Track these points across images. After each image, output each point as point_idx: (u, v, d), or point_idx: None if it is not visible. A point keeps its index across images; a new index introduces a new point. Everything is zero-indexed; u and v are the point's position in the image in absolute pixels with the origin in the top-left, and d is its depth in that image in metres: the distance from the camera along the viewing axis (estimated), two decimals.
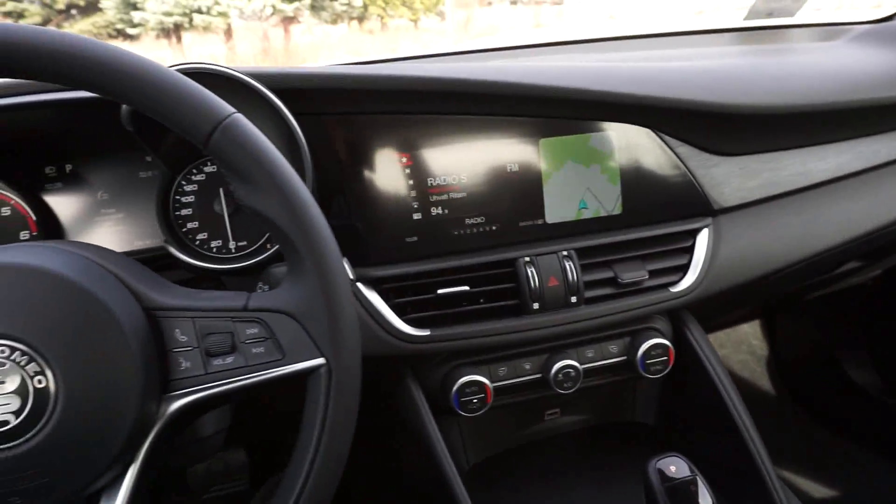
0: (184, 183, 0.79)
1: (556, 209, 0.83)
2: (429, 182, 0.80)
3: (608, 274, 0.83)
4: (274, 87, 0.67)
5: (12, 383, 0.45)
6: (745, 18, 1.22)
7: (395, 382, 0.82)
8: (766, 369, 1.66)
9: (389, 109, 0.76)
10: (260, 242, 0.80)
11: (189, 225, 0.79)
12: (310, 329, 0.51)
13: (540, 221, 0.83)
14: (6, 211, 0.74)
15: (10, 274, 0.47)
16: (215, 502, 1.30)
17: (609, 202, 0.85)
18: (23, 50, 0.45)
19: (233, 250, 0.80)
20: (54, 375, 0.45)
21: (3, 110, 0.65)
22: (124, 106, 0.64)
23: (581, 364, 0.82)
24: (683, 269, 0.86)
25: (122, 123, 0.65)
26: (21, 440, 0.45)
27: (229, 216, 0.79)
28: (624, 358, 0.86)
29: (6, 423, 0.44)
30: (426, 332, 0.77)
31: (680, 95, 0.80)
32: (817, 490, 1.39)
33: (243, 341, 0.51)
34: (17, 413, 0.45)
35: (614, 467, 0.86)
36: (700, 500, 0.61)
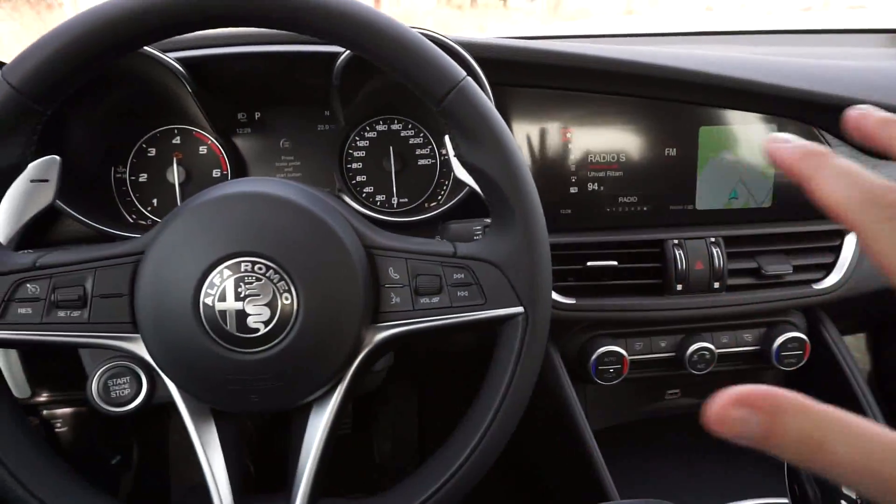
0: (357, 139, 0.85)
1: (708, 196, 0.85)
2: (588, 158, 0.83)
3: (752, 264, 0.84)
4: (475, 55, 0.71)
5: (266, 297, 0.51)
6: None
7: None
8: (867, 384, 1.62)
9: (562, 85, 0.80)
10: (420, 200, 0.86)
11: (358, 178, 0.85)
12: (512, 279, 0.56)
13: (690, 207, 0.85)
14: (203, 150, 0.82)
15: (267, 202, 0.53)
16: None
17: (760, 194, 0.86)
18: (303, 9, 0.51)
19: (395, 205, 0.86)
20: (297, 294, 0.52)
21: (230, 59, 0.72)
22: (340, 60, 0.70)
23: (716, 348, 0.84)
24: (828, 267, 0.86)
25: (332, 76, 0.71)
26: (266, 346, 0.52)
27: (396, 173, 0.85)
28: (757, 347, 0.88)
29: (257, 330, 0.51)
30: (572, 301, 0.81)
31: (852, 95, 0.80)
32: None
33: (450, 284, 0.56)
34: (266, 323, 0.51)
35: (733, 453, 0.88)
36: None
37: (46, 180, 0.65)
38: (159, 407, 0.59)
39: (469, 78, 0.54)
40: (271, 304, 0.51)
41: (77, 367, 0.68)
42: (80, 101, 0.72)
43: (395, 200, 0.86)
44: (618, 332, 0.85)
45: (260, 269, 0.51)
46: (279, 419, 0.60)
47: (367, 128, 0.85)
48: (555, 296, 0.81)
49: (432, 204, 0.86)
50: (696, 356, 0.84)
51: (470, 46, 0.72)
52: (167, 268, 0.52)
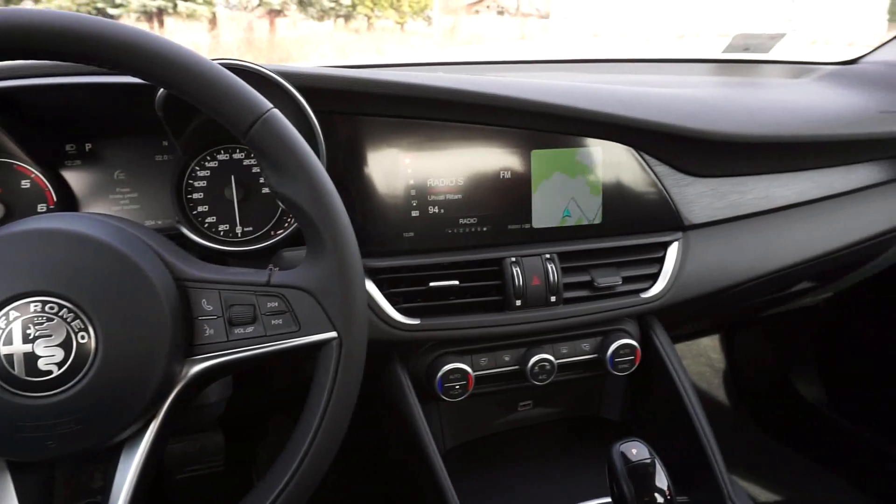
0: (197, 168, 0.84)
1: (543, 215, 0.90)
2: (428, 182, 0.86)
3: (585, 277, 0.90)
4: (297, 84, 0.73)
5: (58, 337, 0.50)
6: (724, 52, 1.31)
7: (383, 367, 0.88)
8: (723, 381, 1.76)
9: (398, 113, 0.82)
10: (265, 229, 0.86)
11: (199, 208, 0.84)
12: (325, 305, 0.57)
13: (527, 226, 0.90)
14: (26, 184, 0.78)
15: (61, 239, 0.52)
16: (189, 482, 1.33)
17: (590, 212, 0.92)
18: (93, 39, 0.50)
19: (239, 234, 0.85)
20: (95, 333, 0.51)
21: (41, 90, 0.70)
22: (160, 92, 0.69)
23: (556, 359, 0.89)
24: (654, 277, 0.94)
25: (155, 108, 0.70)
26: (61, 389, 0.50)
27: (238, 203, 0.84)
28: (595, 355, 0.93)
29: (50, 372, 0.49)
30: (416, 321, 0.84)
31: (663, 119, 0.88)
32: (763, 495, 1.48)
33: (264, 313, 0.57)
34: (60, 364, 0.50)
35: (580, 456, 0.93)
36: (657, 481, 0.69)
37: None
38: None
39: (274, 110, 0.55)
40: (65, 345, 0.50)
41: None
42: None
43: (239, 230, 0.85)
44: (463, 349, 0.88)
45: (51, 308, 0.50)
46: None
47: (208, 157, 0.84)
48: (399, 317, 0.83)
49: (279, 231, 0.86)
50: (537, 367, 0.88)
51: (296, 77, 0.74)
52: None
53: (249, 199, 0.85)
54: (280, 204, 0.59)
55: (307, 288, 0.57)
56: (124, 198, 0.83)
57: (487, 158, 0.88)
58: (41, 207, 0.79)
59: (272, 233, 0.86)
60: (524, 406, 1.01)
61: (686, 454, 0.88)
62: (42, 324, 0.49)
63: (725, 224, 0.99)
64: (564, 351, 0.92)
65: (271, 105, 0.56)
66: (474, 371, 0.87)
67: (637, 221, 0.94)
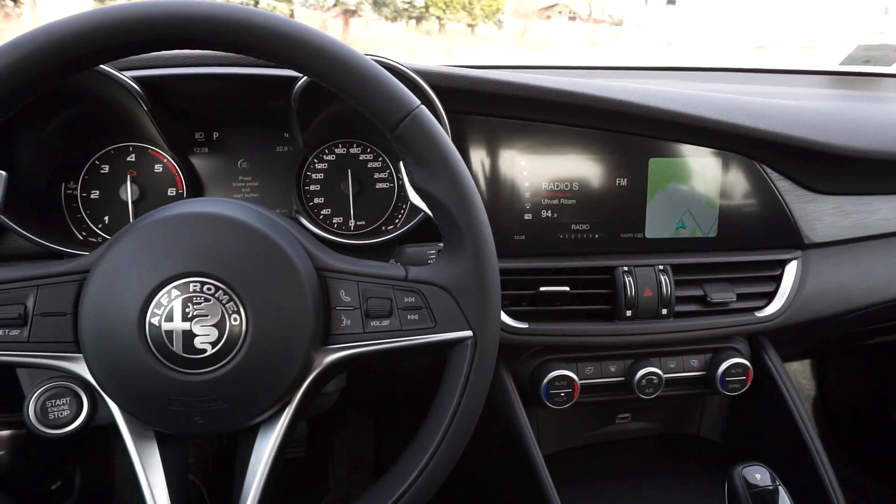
0: (315, 161, 0.85)
1: (656, 225, 0.88)
2: (542, 186, 0.85)
3: (698, 292, 0.87)
4: (430, 83, 0.73)
5: (214, 318, 0.51)
6: (842, 63, 1.25)
7: None
8: (812, 410, 1.68)
9: (519, 115, 0.82)
10: (377, 224, 0.87)
11: (316, 200, 0.85)
12: (461, 303, 0.57)
13: (640, 235, 0.88)
14: (159, 168, 0.82)
15: (219, 223, 0.53)
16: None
17: (706, 225, 0.89)
18: (260, 32, 0.51)
19: (352, 228, 0.86)
20: (246, 316, 0.52)
21: (187, 79, 0.72)
22: (298, 85, 0.71)
23: (664, 373, 0.87)
24: (770, 296, 0.90)
25: (291, 101, 0.72)
26: (213, 367, 0.51)
27: (353, 196, 0.85)
28: (703, 373, 0.90)
29: (204, 350, 0.51)
30: (525, 325, 0.83)
31: (791, 132, 0.85)
32: None
33: (400, 308, 0.57)
34: (213, 344, 0.51)
35: (681, 476, 0.90)
36: None
37: None
38: (103, 429, 0.57)
39: (422, 106, 0.56)
40: (219, 325, 0.51)
41: (14, 386, 0.66)
42: (31, 117, 0.71)
43: (352, 223, 0.87)
44: (569, 356, 0.87)
45: (209, 289, 0.51)
46: (235, 441, 0.60)
47: (326, 150, 0.86)
48: (508, 320, 0.83)
49: (389, 227, 0.87)
50: (644, 381, 0.86)
51: (426, 75, 0.74)
52: (113, 287, 0.51)
53: (363, 194, 0.86)
54: (415, 201, 0.59)
55: (445, 285, 0.57)
56: (246, 186, 0.85)
57: (603, 165, 0.86)
58: (171, 191, 0.82)
59: (383, 228, 0.87)
60: (622, 419, 0.98)
61: (799, 485, 0.84)
62: (200, 304, 0.51)
63: (849, 244, 0.94)
64: (672, 366, 0.89)
65: (419, 102, 0.56)
66: (580, 379, 0.85)
67: (755, 237, 0.90)
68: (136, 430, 0.54)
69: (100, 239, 0.80)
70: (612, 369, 0.88)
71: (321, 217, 0.86)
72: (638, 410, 0.99)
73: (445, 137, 0.56)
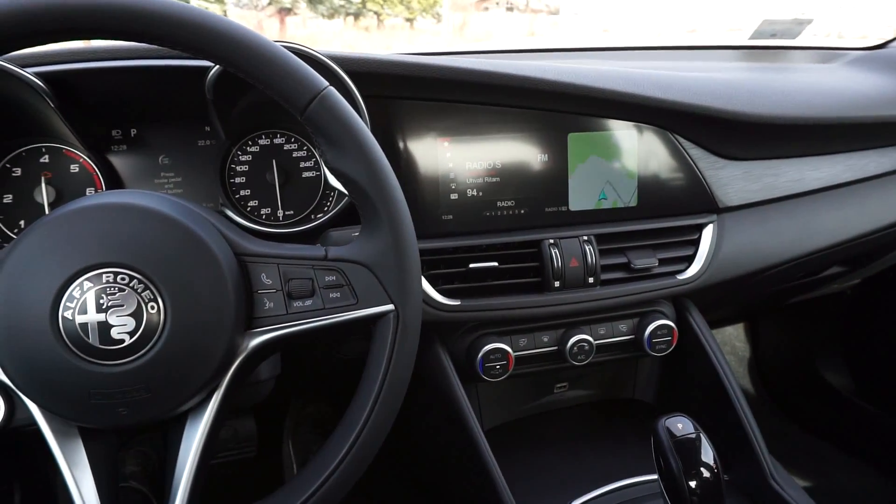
0: (239, 153, 0.85)
1: (579, 198, 0.91)
2: (467, 166, 0.87)
3: (622, 259, 0.91)
4: (344, 68, 0.74)
5: (129, 307, 0.51)
6: (750, 38, 1.31)
7: (424, 349, 0.89)
8: (748, 370, 1.76)
9: (437, 97, 0.83)
10: (306, 212, 0.87)
11: (242, 192, 0.85)
12: (381, 278, 0.58)
13: (564, 208, 0.91)
14: (75, 168, 0.80)
15: (132, 213, 0.53)
16: (222, 468, 1.35)
17: (626, 195, 0.93)
18: (158, 19, 0.51)
19: (280, 218, 0.87)
20: (164, 303, 0.52)
21: (96, 73, 0.71)
22: (211, 74, 0.71)
23: (594, 339, 0.90)
24: (689, 259, 0.94)
25: (205, 91, 0.72)
26: (132, 358, 0.51)
27: (280, 186, 0.86)
28: (632, 337, 0.94)
29: (122, 341, 0.51)
30: (457, 302, 0.85)
31: (700, 102, 0.89)
32: None
33: (322, 287, 0.58)
34: (131, 333, 0.51)
35: (617, 437, 0.94)
36: (703, 455, 0.69)
37: None
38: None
39: (330, 87, 0.56)
40: (136, 315, 0.51)
41: None
42: None
43: (280, 213, 0.87)
44: (502, 330, 0.89)
45: (123, 279, 0.51)
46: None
47: (249, 142, 0.85)
48: (440, 298, 0.84)
49: (318, 215, 0.87)
50: (576, 348, 0.89)
51: (340, 60, 0.75)
52: (22, 282, 0.50)
53: (290, 184, 0.86)
54: (333, 182, 0.60)
55: (364, 262, 0.58)
56: (168, 182, 0.84)
57: (524, 142, 0.89)
58: (90, 191, 0.80)
59: (312, 216, 0.87)
60: (560, 388, 1.01)
61: (725, 435, 0.89)
62: (114, 294, 0.51)
63: (759, 207, 1.00)
64: (602, 332, 0.92)
65: (328, 83, 0.57)
66: (514, 351, 0.87)
67: (672, 204, 0.94)
68: (58, 429, 0.54)
69: None
70: (545, 339, 0.91)
71: (248, 209, 0.85)
72: (574, 379, 1.02)
73: (355, 117, 0.57)
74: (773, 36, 1.29)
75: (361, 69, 0.77)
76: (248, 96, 0.78)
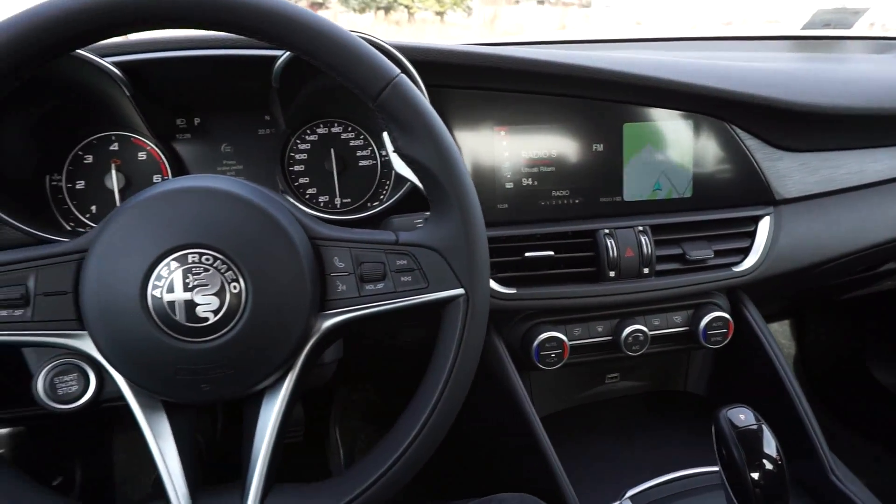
0: (298, 142, 0.87)
1: (634, 188, 0.91)
2: (522, 155, 0.87)
3: (677, 250, 0.90)
4: (409, 58, 0.75)
5: (214, 287, 0.52)
6: (803, 28, 1.29)
7: None
8: (793, 368, 1.73)
9: (497, 87, 0.84)
10: (363, 200, 0.89)
11: (301, 180, 0.87)
12: (452, 262, 0.59)
13: (618, 198, 0.91)
14: (142, 155, 0.82)
15: (215, 197, 0.55)
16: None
17: (681, 185, 0.92)
18: (235, 8, 0.52)
19: (338, 206, 0.88)
20: (245, 284, 0.53)
21: (167, 63, 0.73)
22: (278, 63, 0.72)
23: (649, 330, 0.90)
24: (745, 251, 0.94)
25: (271, 80, 0.73)
26: (216, 336, 0.53)
27: (338, 174, 0.87)
28: (686, 328, 0.93)
29: (206, 319, 0.52)
30: (513, 291, 0.85)
31: (758, 92, 0.88)
32: None
33: (393, 270, 0.59)
34: (215, 312, 0.52)
35: (670, 428, 0.93)
36: (765, 447, 0.68)
37: None
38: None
39: (403, 74, 0.57)
40: (220, 294, 0.53)
41: (10, 383, 0.66)
42: (12, 108, 0.71)
43: (338, 201, 0.88)
44: (557, 319, 0.89)
45: (207, 259, 0.53)
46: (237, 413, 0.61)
47: (308, 131, 0.87)
48: (495, 286, 0.85)
49: (374, 203, 0.88)
50: (630, 338, 0.89)
51: (405, 49, 0.76)
52: (113, 263, 0.52)
53: (347, 172, 0.87)
54: (398, 169, 0.61)
55: (434, 246, 0.59)
56: (230, 170, 0.86)
57: (579, 131, 0.89)
58: (156, 178, 0.83)
59: (368, 204, 0.88)
60: (611, 379, 1.01)
61: (783, 430, 0.87)
62: (199, 274, 0.52)
63: (817, 199, 0.98)
64: (656, 323, 0.92)
65: (399, 70, 0.58)
66: (569, 340, 0.88)
67: (728, 195, 0.94)
68: (144, 402, 0.56)
69: (88, 229, 0.81)
70: (599, 329, 0.91)
71: (307, 196, 0.87)
72: (626, 370, 1.02)
73: (426, 103, 0.58)
74: (827, 26, 1.27)
75: (423, 58, 0.78)
76: (310, 85, 0.80)
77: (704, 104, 0.90)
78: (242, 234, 0.54)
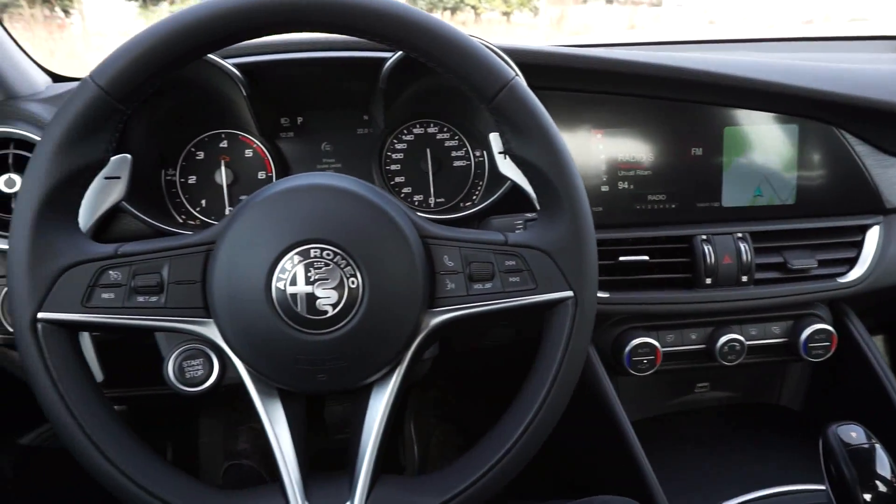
0: (395, 141, 0.88)
1: (733, 194, 0.89)
2: (618, 158, 0.86)
3: (778, 259, 0.87)
4: (514, 60, 0.75)
5: (333, 281, 0.54)
6: None
7: None
8: None
9: (596, 89, 0.83)
10: (455, 200, 0.89)
11: (397, 179, 0.88)
12: (561, 265, 0.59)
13: (716, 204, 0.88)
14: (249, 153, 0.86)
15: (334, 193, 0.57)
16: (342, 443, 1.41)
17: (784, 192, 0.89)
18: (360, 12, 0.54)
19: (431, 205, 0.89)
20: (362, 279, 0.55)
21: (283, 65, 0.76)
22: (388, 65, 0.74)
23: (746, 340, 0.87)
24: (851, 262, 0.90)
25: (379, 80, 0.75)
26: (334, 328, 0.55)
27: (433, 174, 0.88)
28: (785, 340, 0.90)
29: (326, 312, 0.54)
30: (606, 295, 0.84)
31: (872, 95, 0.84)
32: None
33: (502, 271, 0.59)
34: (334, 305, 0.54)
35: (764, 443, 0.90)
36: (878, 467, 0.65)
37: (118, 177, 0.69)
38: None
39: (518, 76, 0.58)
40: (339, 288, 0.54)
41: (142, 365, 0.70)
42: (143, 105, 0.75)
43: (432, 200, 0.89)
44: (649, 324, 0.88)
45: (328, 254, 0.55)
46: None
47: (405, 131, 0.89)
48: None
49: (467, 203, 0.89)
50: (726, 347, 0.87)
51: (510, 52, 0.76)
52: (240, 255, 0.55)
53: (442, 172, 0.88)
54: (503, 170, 0.61)
55: (544, 248, 0.59)
56: (329, 168, 0.89)
57: (677, 135, 0.87)
58: (261, 175, 0.86)
59: (461, 205, 0.89)
60: (701, 388, 0.99)
61: (891, 444, 0.83)
62: (320, 268, 0.54)
63: None
64: (753, 333, 0.89)
65: (515, 73, 0.58)
66: (662, 347, 0.86)
67: (833, 203, 0.90)
68: (261, 389, 0.58)
69: (198, 221, 0.85)
70: (693, 337, 0.89)
71: (402, 195, 0.89)
72: (717, 379, 1.00)
73: (541, 107, 0.58)
74: None
75: (525, 60, 0.78)
76: (413, 87, 0.81)
77: (813, 108, 0.87)
78: (361, 230, 0.56)
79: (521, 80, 0.58)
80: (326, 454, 1.18)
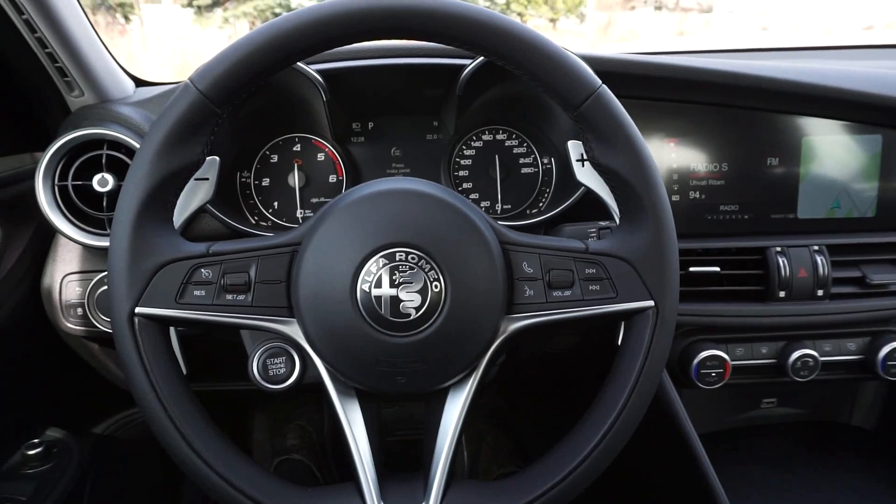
0: (464, 148, 0.89)
1: (809, 206, 0.86)
2: (691, 167, 0.85)
3: (856, 273, 0.85)
4: (593, 67, 0.75)
5: (417, 284, 0.55)
6: None
7: None
8: None
9: (672, 97, 0.82)
10: (522, 207, 0.89)
11: (465, 185, 0.89)
12: (643, 274, 0.58)
13: (791, 216, 0.86)
14: (321, 156, 0.88)
15: (419, 198, 0.57)
16: (397, 445, 1.42)
17: (863, 204, 0.87)
18: (451, 19, 0.55)
19: (498, 211, 0.90)
20: (445, 283, 0.56)
21: (360, 71, 0.77)
22: (466, 72, 0.75)
23: (820, 356, 0.85)
24: None
25: (457, 87, 0.76)
26: (416, 331, 0.55)
27: (500, 181, 0.89)
28: (861, 357, 0.87)
29: (409, 315, 0.55)
30: None
31: None
32: None
33: (582, 279, 0.59)
34: (417, 308, 0.55)
35: (838, 463, 0.88)
36: None
37: (206, 178, 0.72)
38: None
39: (604, 85, 0.58)
40: (422, 292, 0.55)
41: (227, 361, 0.72)
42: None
43: (499, 207, 0.90)
44: (719, 337, 0.86)
45: (413, 258, 0.55)
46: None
47: (474, 137, 0.89)
48: None
49: (533, 211, 0.89)
50: (799, 363, 0.84)
51: (588, 60, 0.76)
52: (325, 257, 0.56)
53: (510, 179, 0.89)
54: (580, 177, 0.61)
55: (626, 257, 0.59)
56: (399, 172, 0.90)
57: (754, 145, 0.85)
58: (332, 178, 0.88)
59: (528, 212, 0.89)
60: (768, 404, 0.97)
61: None
62: (405, 272, 0.55)
63: None
64: (828, 349, 0.87)
65: (600, 82, 0.58)
66: (731, 360, 0.84)
67: None
68: (340, 389, 0.59)
69: (270, 223, 0.87)
70: (764, 351, 0.87)
71: (470, 201, 0.89)
72: (785, 395, 0.97)
73: (627, 116, 0.58)
74: None
75: (603, 69, 0.78)
76: (487, 94, 0.82)
77: None
78: (444, 235, 0.56)
79: (607, 90, 0.58)
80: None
